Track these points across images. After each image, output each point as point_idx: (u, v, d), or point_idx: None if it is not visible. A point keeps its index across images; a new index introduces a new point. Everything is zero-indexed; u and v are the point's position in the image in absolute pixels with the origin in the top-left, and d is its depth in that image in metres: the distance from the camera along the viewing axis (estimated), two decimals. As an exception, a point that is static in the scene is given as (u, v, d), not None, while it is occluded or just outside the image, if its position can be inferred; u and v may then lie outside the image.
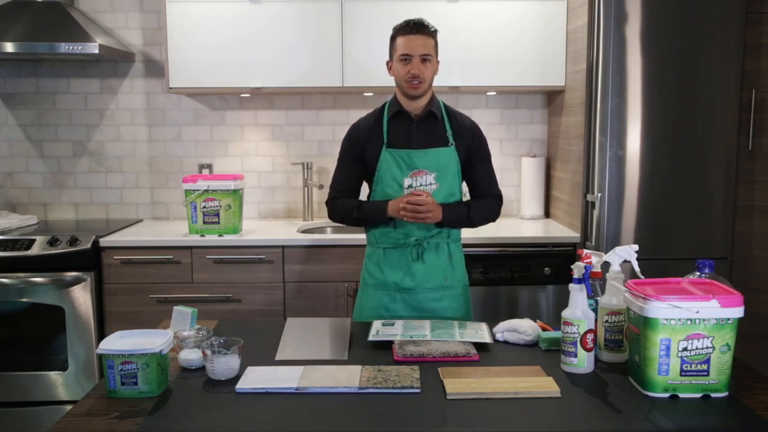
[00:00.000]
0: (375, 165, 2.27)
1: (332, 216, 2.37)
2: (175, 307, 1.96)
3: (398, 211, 2.19)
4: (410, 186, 2.24)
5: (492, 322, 2.04)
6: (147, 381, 1.56)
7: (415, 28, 2.21)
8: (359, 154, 2.31)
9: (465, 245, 2.44)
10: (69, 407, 2.05)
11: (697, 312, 1.53)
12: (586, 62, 3.03)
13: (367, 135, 2.30)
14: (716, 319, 1.53)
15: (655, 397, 1.55)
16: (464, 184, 2.38)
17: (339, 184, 2.37)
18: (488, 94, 3.66)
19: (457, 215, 2.26)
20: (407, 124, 2.29)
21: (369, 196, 2.34)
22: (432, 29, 2.24)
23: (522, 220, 3.60)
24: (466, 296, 2.38)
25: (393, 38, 2.27)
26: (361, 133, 2.32)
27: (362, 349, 1.88)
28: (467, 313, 2.36)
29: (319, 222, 3.58)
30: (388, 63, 2.31)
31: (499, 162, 3.71)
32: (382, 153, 2.26)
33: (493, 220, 2.38)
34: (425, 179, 2.24)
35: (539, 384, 1.59)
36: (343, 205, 2.33)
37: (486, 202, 2.34)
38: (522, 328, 1.91)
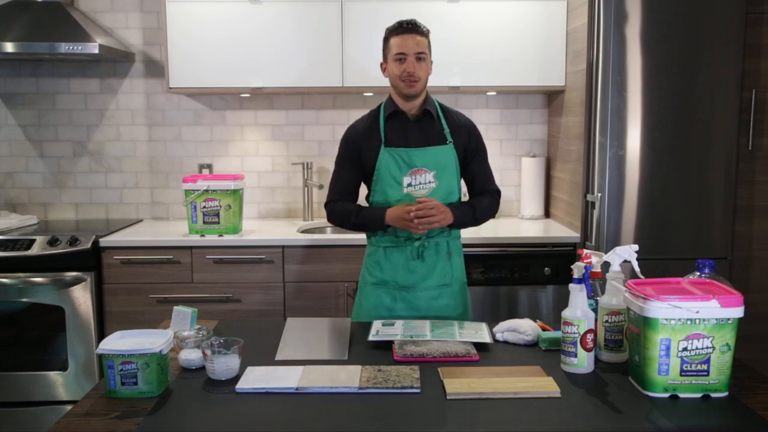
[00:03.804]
0: (373, 165, 2.27)
1: (331, 219, 2.37)
2: (175, 307, 1.96)
3: (398, 220, 2.19)
4: (410, 184, 2.24)
5: (492, 322, 2.04)
6: (147, 381, 1.56)
7: (408, 27, 2.22)
8: (356, 155, 2.31)
9: (465, 245, 2.44)
10: (69, 407, 2.05)
11: (697, 312, 1.53)
12: (586, 62, 3.03)
13: (364, 135, 2.30)
14: (716, 319, 1.53)
15: (655, 397, 1.55)
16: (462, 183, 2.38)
17: (337, 186, 2.37)
18: (488, 94, 3.66)
19: (465, 215, 2.28)
20: (404, 124, 2.29)
21: (368, 196, 2.35)
22: (425, 29, 2.24)
23: (522, 220, 3.60)
24: (464, 294, 2.38)
25: (386, 39, 2.27)
26: (357, 135, 2.32)
27: (362, 349, 1.88)
28: (465, 311, 2.37)
29: (319, 222, 3.57)
30: (382, 65, 2.31)
31: (499, 162, 3.72)
32: (381, 152, 2.26)
33: (494, 215, 2.39)
34: (424, 177, 2.25)
35: (539, 384, 1.59)
36: (342, 209, 2.33)
37: (487, 198, 2.36)
38: (522, 328, 1.91)
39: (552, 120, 3.62)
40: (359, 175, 2.35)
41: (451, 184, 2.28)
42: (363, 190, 2.39)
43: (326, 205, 2.38)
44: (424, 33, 2.24)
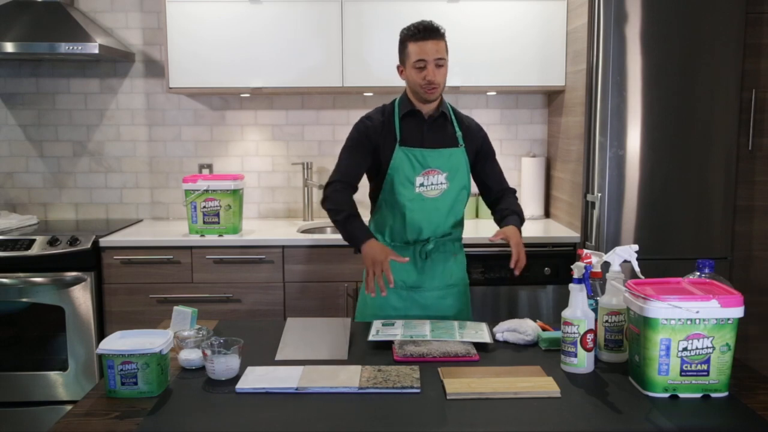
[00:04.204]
0: (387, 162, 2.25)
1: (326, 201, 2.25)
2: (175, 307, 1.96)
3: (370, 259, 2.09)
4: (422, 184, 2.24)
5: (492, 322, 2.04)
6: (147, 381, 1.56)
7: (427, 33, 2.18)
8: (373, 148, 2.27)
9: (465, 245, 2.44)
10: (69, 407, 2.05)
11: (697, 312, 1.53)
12: (586, 62, 3.03)
13: (381, 131, 2.28)
14: (716, 319, 1.53)
15: (655, 397, 1.55)
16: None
17: (348, 168, 2.28)
18: (488, 94, 3.66)
19: (520, 225, 2.31)
20: (419, 124, 2.28)
21: (372, 192, 2.34)
22: (442, 30, 2.22)
23: (522, 220, 3.60)
24: (467, 295, 2.40)
25: (403, 43, 2.24)
26: (376, 128, 2.28)
27: (362, 349, 1.88)
28: (468, 312, 2.38)
29: (319, 222, 3.57)
30: (398, 67, 2.29)
31: (499, 162, 3.70)
32: (396, 151, 2.25)
33: None
34: (436, 179, 2.25)
35: (539, 384, 1.59)
36: (342, 200, 2.23)
37: (514, 200, 2.42)
38: (522, 328, 1.92)
39: (552, 120, 3.62)
40: (368, 164, 2.31)
41: (461, 186, 2.29)
42: (362, 188, 2.39)
43: (329, 185, 2.27)
44: (442, 36, 2.21)
